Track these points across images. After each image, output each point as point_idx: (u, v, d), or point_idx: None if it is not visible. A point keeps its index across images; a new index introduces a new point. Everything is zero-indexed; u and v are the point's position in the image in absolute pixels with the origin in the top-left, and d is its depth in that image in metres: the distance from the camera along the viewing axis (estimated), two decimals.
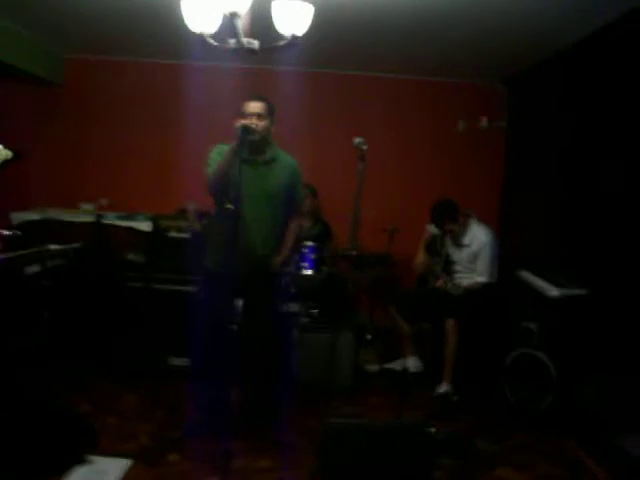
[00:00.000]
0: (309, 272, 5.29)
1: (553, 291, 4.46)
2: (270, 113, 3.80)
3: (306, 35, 3.29)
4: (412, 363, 5.18)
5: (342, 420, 3.44)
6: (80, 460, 3.40)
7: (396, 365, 5.29)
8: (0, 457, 3.26)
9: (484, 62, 5.75)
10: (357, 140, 3.73)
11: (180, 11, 3.27)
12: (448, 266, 5.06)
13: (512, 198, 6.26)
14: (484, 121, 6.55)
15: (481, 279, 4.91)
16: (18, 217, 5.78)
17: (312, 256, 5.32)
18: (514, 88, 6.33)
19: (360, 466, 2.98)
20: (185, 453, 3.67)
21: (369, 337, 5.60)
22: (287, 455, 3.71)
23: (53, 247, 4.75)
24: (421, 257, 5.24)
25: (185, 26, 3.32)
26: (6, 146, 3.67)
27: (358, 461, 2.99)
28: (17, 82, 6.34)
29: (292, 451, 3.74)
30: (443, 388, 4.73)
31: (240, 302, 4.13)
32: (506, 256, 5.27)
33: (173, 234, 5.33)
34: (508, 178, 6.39)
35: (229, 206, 3.41)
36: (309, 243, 5.34)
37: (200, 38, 3.29)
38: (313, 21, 3.26)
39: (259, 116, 3.72)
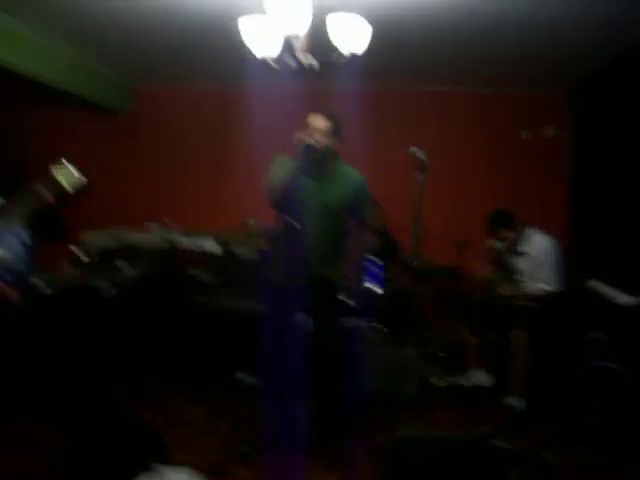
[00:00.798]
0: (374, 287, 5.28)
1: (625, 299, 4.34)
2: (335, 131, 3.79)
3: (366, 52, 3.33)
4: (479, 376, 5.09)
5: (408, 433, 3.42)
6: (148, 470, 3.48)
7: (463, 379, 5.22)
8: (74, 463, 3.40)
9: (545, 70, 5.67)
10: (413, 149, 3.70)
11: (239, 36, 3.38)
12: (510, 276, 4.99)
13: (580, 207, 6.13)
14: (548, 131, 6.45)
15: (544, 286, 4.81)
16: (89, 238, 6.02)
17: (377, 271, 5.30)
18: (579, 95, 6.21)
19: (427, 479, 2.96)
20: (251, 467, 3.71)
21: (436, 351, 5.55)
22: (353, 469, 3.70)
23: (122, 265, 4.92)
24: (484, 266, 5.19)
25: (244, 50, 3.42)
26: (81, 173, 3.80)
27: (425, 474, 2.96)
28: (88, 111, 6.64)
29: (358, 465, 3.73)
30: (511, 401, 4.64)
31: (305, 317, 4.19)
32: (576, 266, 5.16)
33: (237, 251, 5.42)
34: (575, 188, 6.26)
35: (291, 220, 3.46)
36: (374, 258, 5.33)
37: (262, 62, 3.37)
38: (373, 37, 3.30)
39: (322, 133, 3.73)
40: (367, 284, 5.26)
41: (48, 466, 3.48)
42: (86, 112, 6.67)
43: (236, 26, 3.37)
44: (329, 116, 3.80)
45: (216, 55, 5.33)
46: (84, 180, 3.67)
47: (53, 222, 4.50)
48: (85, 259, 4.68)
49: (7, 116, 6.40)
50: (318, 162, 3.80)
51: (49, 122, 6.72)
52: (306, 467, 3.52)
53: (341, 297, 4.43)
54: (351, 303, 5.08)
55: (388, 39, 4.65)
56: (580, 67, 5.52)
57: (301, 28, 3.08)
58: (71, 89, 5.66)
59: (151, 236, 6.17)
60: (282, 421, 3.74)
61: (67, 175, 3.61)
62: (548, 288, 4.80)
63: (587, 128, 6.11)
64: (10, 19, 4.72)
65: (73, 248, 4.81)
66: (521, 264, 4.97)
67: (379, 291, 5.22)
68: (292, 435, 3.44)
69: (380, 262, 5.29)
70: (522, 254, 4.94)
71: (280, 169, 3.78)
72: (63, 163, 3.58)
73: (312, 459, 3.70)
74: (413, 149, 3.70)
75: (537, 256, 4.86)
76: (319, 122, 3.75)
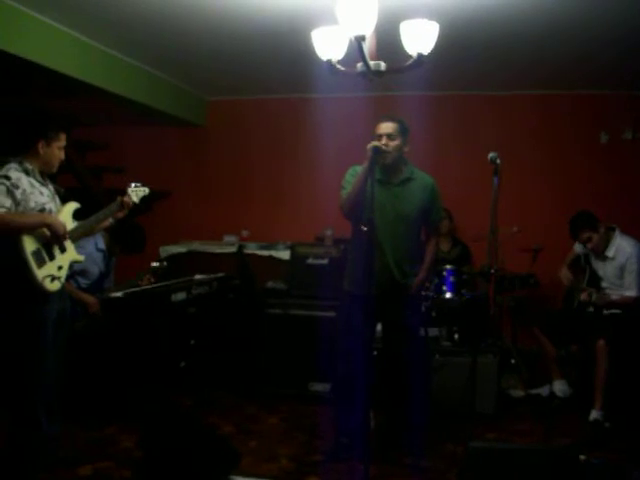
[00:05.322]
0: (449, 295, 5.18)
1: None
2: (402, 132, 3.77)
3: (431, 55, 3.29)
4: (559, 387, 4.90)
5: (485, 443, 3.32)
6: None
7: (543, 390, 5.04)
8: (152, 473, 3.45)
9: (625, 69, 5.46)
10: (491, 154, 3.59)
11: (309, 43, 3.39)
12: (594, 282, 4.81)
13: None
14: (628, 132, 6.20)
15: (629, 293, 4.59)
16: (166, 250, 6.20)
17: (451, 279, 5.21)
18: None
19: None
20: (324, 476, 3.67)
21: (513, 361, 5.39)
22: (426, 479, 3.62)
23: (198, 277, 5.00)
24: (565, 270, 5.03)
25: (314, 58, 3.44)
26: (144, 183, 3.97)
27: None
28: (165, 125, 6.83)
29: (431, 475, 3.65)
30: (594, 415, 4.41)
31: (381, 326, 4.14)
32: None
33: (311, 261, 5.41)
34: None
35: (363, 228, 3.44)
36: (448, 266, 5.24)
37: (329, 65, 3.38)
38: (438, 41, 3.26)
39: (389, 136, 3.70)
40: (444, 293, 5.18)
41: (130, 473, 3.53)
42: (162, 125, 6.83)
43: (307, 36, 3.39)
44: (393, 118, 3.79)
45: (286, 65, 5.37)
46: (146, 190, 3.91)
47: (132, 235, 4.66)
48: (160, 269, 4.79)
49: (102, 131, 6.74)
50: (390, 166, 3.78)
51: (133, 137, 6.96)
52: (377, 475, 3.47)
53: (417, 305, 4.37)
54: (427, 312, 5.02)
55: (458, 42, 4.59)
56: None
57: (367, 29, 3.06)
58: (151, 104, 5.84)
59: (226, 247, 6.27)
60: (354, 430, 3.70)
61: (136, 192, 3.91)
62: (632, 294, 4.59)
63: None
64: (100, 46, 5.05)
65: (153, 263, 4.94)
66: (606, 270, 4.79)
67: (455, 299, 5.13)
68: (363, 443, 3.39)
69: (453, 269, 5.20)
70: (608, 259, 4.75)
71: (352, 178, 3.78)
72: (136, 185, 3.92)
73: (383, 468, 3.66)
74: (492, 155, 3.59)
75: (623, 261, 4.66)
76: (384, 125, 3.75)
